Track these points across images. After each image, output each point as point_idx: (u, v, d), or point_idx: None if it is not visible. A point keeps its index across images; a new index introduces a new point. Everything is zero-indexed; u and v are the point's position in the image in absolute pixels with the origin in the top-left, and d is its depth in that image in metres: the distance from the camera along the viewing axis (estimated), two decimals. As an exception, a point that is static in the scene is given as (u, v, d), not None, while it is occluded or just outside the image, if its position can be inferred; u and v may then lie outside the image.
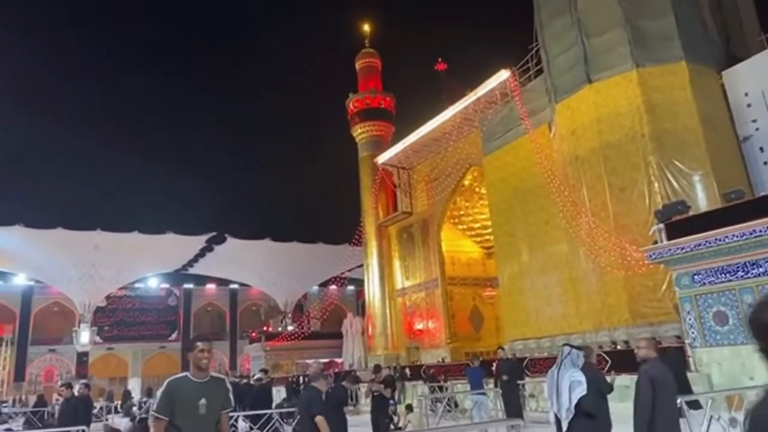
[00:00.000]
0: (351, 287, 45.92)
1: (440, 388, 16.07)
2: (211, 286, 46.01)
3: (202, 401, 3.52)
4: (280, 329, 37.83)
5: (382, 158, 29.44)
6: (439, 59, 29.86)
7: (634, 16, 16.27)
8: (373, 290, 29.90)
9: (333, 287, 39.40)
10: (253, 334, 35.64)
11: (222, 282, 45.45)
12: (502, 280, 21.43)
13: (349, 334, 29.95)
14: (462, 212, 28.22)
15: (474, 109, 23.43)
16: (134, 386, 36.96)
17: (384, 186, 30.02)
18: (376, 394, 9.01)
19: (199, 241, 36.35)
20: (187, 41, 66.45)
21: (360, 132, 31.81)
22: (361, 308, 38.70)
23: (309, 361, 33.35)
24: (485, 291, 26.89)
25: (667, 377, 4.72)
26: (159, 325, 44.12)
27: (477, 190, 26.80)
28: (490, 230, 24.12)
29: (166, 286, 45.02)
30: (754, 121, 15.32)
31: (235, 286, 46.04)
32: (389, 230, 30.32)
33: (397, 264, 29.57)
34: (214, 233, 35.85)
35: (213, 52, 66.83)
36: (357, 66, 33.49)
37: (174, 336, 44.19)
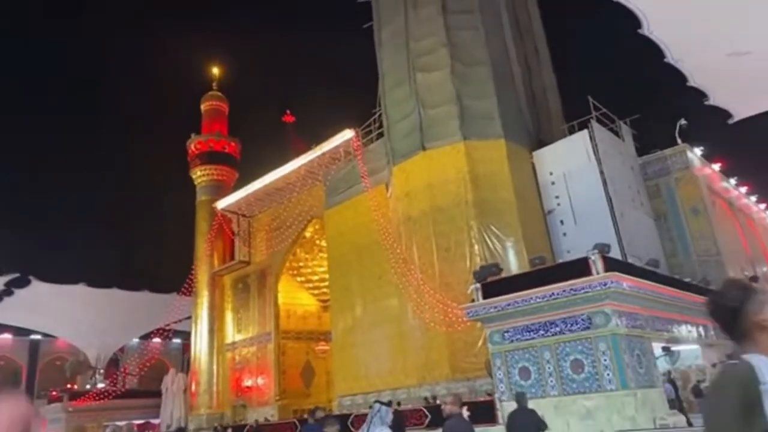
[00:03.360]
0: (177, 340, 42.58)
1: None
2: (5, 336, 39.62)
3: None
4: (88, 387, 33.48)
5: (222, 203, 28.43)
6: (288, 111, 30.22)
7: (464, 95, 18.08)
8: (200, 344, 28.02)
9: (156, 340, 36.20)
10: (53, 393, 31.04)
11: (21, 332, 39.38)
12: (335, 333, 21.42)
13: (170, 392, 27.45)
14: (301, 264, 28.05)
15: (318, 163, 23.85)
16: None
17: (222, 233, 28.86)
18: None
19: (-4, 282, 31.39)
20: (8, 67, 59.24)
21: (200, 175, 30.55)
22: (186, 363, 35.89)
23: (120, 423, 29.88)
24: (318, 345, 26.64)
25: None
26: (-71, 384, 36.57)
27: (318, 242, 26.92)
28: (327, 283, 24.20)
29: (-55, 335, 37.85)
30: (557, 197, 17.61)
31: (38, 336, 40.16)
32: (224, 280, 28.98)
33: (229, 316, 28.19)
34: (17, 275, 31.23)
35: (35, 76, 60.22)
36: (202, 108, 32.51)
37: (-52, 396, 36.84)
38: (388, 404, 5.11)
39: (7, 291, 32.17)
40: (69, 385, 34.56)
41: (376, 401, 5.16)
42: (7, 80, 56.25)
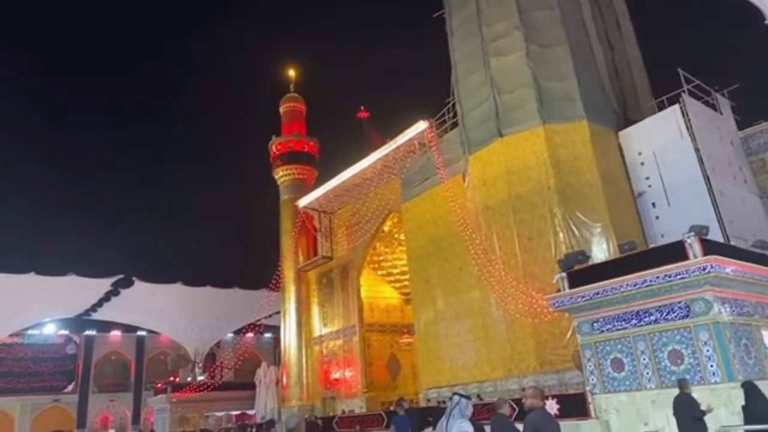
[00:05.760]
0: (268, 335, 44.32)
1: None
2: (116, 333, 42.90)
3: None
4: (189, 379, 35.66)
5: (304, 201, 29.21)
6: (362, 107, 30.45)
7: (541, 77, 17.35)
8: (289, 337, 28.98)
9: (249, 335, 37.85)
10: (159, 385, 33.34)
11: (128, 329, 42.55)
12: (418, 326, 21.39)
13: (263, 384, 28.63)
14: (382, 258, 28.24)
15: (394, 157, 23.87)
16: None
17: (305, 230, 29.66)
18: None
19: (104, 284, 34.03)
20: (97, 71, 63.98)
21: (282, 175, 31.52)
22: (278, 357, 37.33)
23: (218, 414, 31.59)
24: (402, 338, 26.72)
25: (550, 426, 4.73)
26: (54, 376, 40.34)
27: (396, 236, 26.98)
28: (408, 276, 24.20)
29: (65, 332, 41.53)
30: (647, 178, 16.52)
31: (143, 333, 43.22)
32: (309, 275, 29.78)
33: (315, 310, 28.95)
34: (121, 276, 33.74)
35: (127, 85, 64.76)
36: (281, 110, 33.51)
37: (70, 388, 40.48)
38: (468, 397, 4.96)
39: (114, 291, 34.84)
40: (172, 378, 37.00)
41: (455, 393, 5.02)
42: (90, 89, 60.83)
